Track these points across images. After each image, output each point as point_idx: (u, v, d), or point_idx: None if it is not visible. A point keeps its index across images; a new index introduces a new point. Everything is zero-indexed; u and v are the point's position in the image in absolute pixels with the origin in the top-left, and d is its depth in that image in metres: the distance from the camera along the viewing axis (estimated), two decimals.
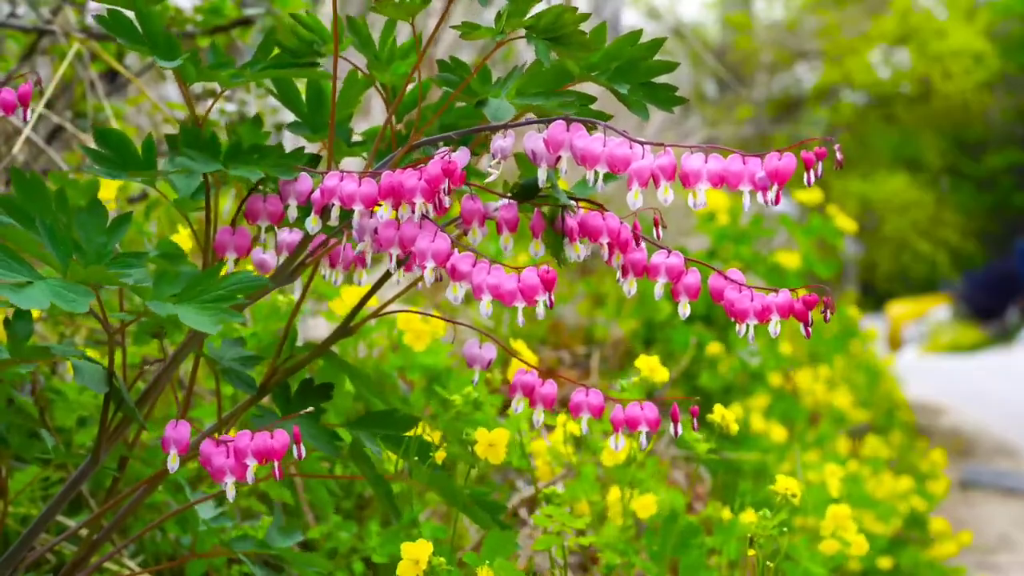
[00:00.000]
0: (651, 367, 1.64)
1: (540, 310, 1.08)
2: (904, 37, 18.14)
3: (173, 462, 1.09)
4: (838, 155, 1.07)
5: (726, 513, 1.78)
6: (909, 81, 18.68)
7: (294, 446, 1.07)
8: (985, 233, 20.43)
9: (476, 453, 1.48)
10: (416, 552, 1.30)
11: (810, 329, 1.09)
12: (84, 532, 1.42)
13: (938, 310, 21.24)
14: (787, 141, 16.76)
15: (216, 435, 1.10)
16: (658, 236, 1.13)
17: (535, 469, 1.84)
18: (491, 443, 1.46)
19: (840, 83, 18.50)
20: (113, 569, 1.57)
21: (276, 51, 1.18)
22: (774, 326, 1.10)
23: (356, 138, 1.29)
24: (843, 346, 5.07)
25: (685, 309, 1.13)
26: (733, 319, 1.11)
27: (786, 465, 3.05)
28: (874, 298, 19.45)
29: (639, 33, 1.13)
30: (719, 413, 1.58)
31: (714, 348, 3.34)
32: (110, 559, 1.52)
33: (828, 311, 1.08)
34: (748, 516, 1.54)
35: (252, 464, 1.06)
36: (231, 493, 1.06)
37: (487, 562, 1.36)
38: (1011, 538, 4.95)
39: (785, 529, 1.51)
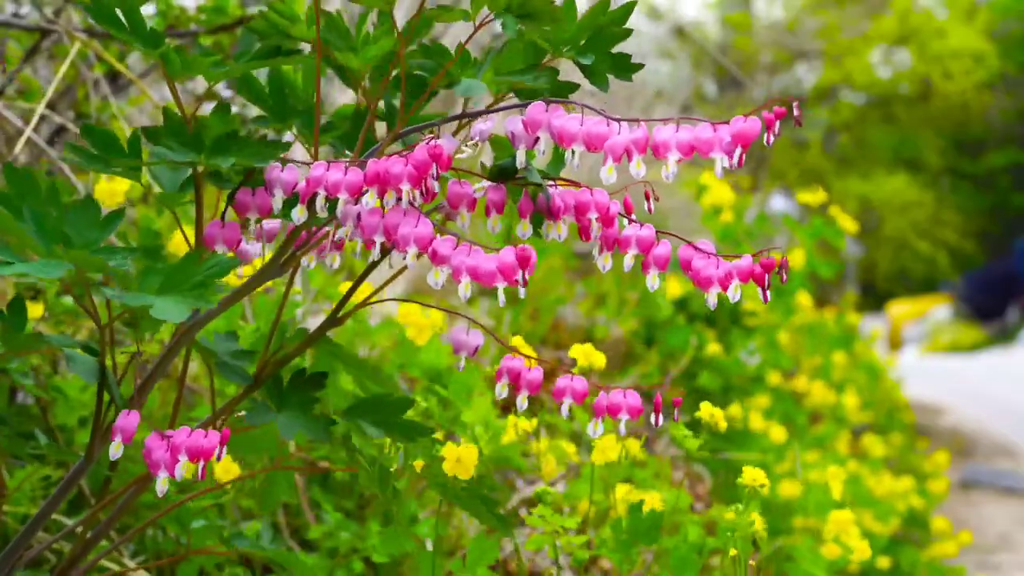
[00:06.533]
0: (586, 353, 1.63)
1: (521, 290, 1.06)
2: (904, 37, 18.15)
3: (116, 449, 1.09)
4: (795, 112, 1.07)
5: (728, 514, 1.79)
6: (909, 81, 18.68)
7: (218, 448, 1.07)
8: (985, 233, 20.43)
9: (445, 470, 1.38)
10: None
11: (768, 293, 1.09)
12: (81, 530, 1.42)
13: (938, 310, 21.23)
14: (786, 141, 16.75)
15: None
16: (649, 210, 1.13)
17: (533, 469, 1.84)
18: (459, 458, 1.37)
19: (840, 83, 18.50)
20: (111, 567, 1.57)
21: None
22: (733, 291, 1.10)
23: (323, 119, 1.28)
24: (844, 347, 5.08)
25: (654, 282, 1.12)
26: (699, 287, 1.12)
27: (786, 465, 3.05)
28: (874, 298, 19.44)
29: (607, 3, 1.13)
30: (707, 411, 1.58)
31: (713, 348, 3.34)
32: (107, 557, 1.52)
33: (783, 272, 1.09)
34: (736, 515, 1.54)
35: (183, 460, 1.06)
36: (162, 488, 1.07)
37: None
38: (1011, 538, 4.95)
39: (753, 522, 1.51)
